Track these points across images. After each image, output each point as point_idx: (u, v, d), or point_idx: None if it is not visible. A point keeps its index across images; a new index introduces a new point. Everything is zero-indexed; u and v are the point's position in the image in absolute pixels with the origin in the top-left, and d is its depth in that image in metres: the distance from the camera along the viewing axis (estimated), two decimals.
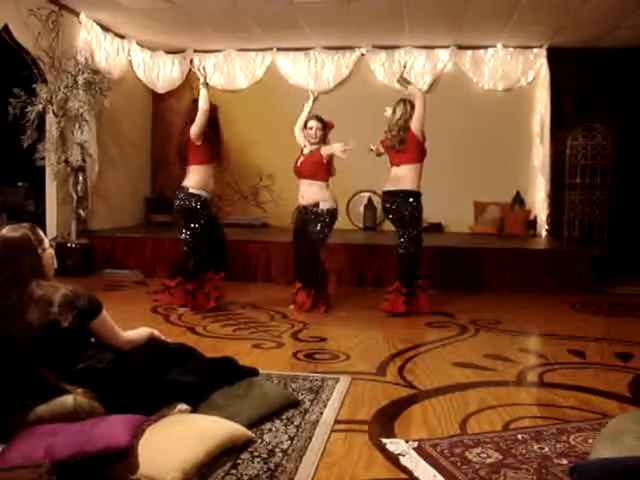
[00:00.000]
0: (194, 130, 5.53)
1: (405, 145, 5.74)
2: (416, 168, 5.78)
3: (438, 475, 2.49)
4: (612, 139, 8.50)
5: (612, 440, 2.36)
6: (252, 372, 3.37)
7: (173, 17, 7.80)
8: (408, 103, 5.86)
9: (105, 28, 8.26)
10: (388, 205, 5.84)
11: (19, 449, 2.39)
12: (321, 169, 5.70)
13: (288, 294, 6.16)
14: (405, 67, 6.56)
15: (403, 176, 5.76)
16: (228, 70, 9.55)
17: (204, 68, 5.88)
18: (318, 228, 5.69)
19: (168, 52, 9.55)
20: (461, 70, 9.08)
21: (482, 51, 8.98)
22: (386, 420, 3.12)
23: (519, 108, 9.06)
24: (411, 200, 5.72)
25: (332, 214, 5.74)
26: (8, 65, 7.02)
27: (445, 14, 7.51)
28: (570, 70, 8.79)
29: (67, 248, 7.27)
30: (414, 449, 2.73)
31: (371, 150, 5.88)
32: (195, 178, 5.62)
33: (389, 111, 5.97)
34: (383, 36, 8.65)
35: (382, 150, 6.00)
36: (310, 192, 5.72)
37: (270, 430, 2.90)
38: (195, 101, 5.78)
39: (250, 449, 2.68)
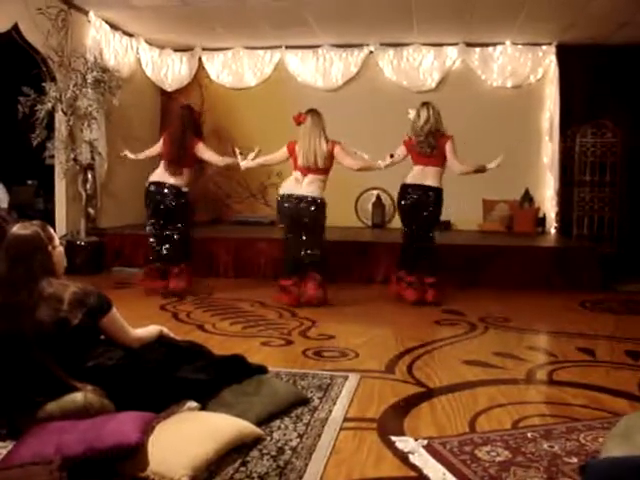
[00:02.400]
0: (210, 159, 6.23)
1: (435, 151, 5.91)
2: (441, 171, 6.01)
3: (447, 473, 2.48)
4: (622, 136, 8.45)
5: (623, 439, 2.35)
6: (261, 370, 3.38)
7: (181, 15, 7.81)
8: (431, 107, 5.97)
9: (114, 26, 8.28)
10: (414, 197, 5.98)
11: (30, 446, 2.40)
12: None
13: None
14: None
15: (432, 175, 5.96)
16: (236, 68, 9.55)
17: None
18: None
19: (176, 50, 9.56)
20: (470, 67, 9.05)
21: (491, 48, 8.96)
22: (395, 418, 3.12)
23: (528, 105, 9.03)
24: (438, 197, 5.98)
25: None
26: (18, 64, 7.05)
27: (453, 11, 7.49)
28: (579, 67, 8.74)
29: (76, 246, 7.29)
30: (423, 447, 2.72)
31: (392, 156, 5.83)
32: (188, 179, 6.22)
33: (412, 114, 6.04)
34: (391, 34, 8.63)
35: (402, 156, 6.05)
36: None
37: (279, 428, 2.90)
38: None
39: (259, 446, 2.68)
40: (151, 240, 6.29)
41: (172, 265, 6.18)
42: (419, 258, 6.03)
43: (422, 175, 5.97)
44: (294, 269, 5.88)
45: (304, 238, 5.81)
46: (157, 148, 6.37)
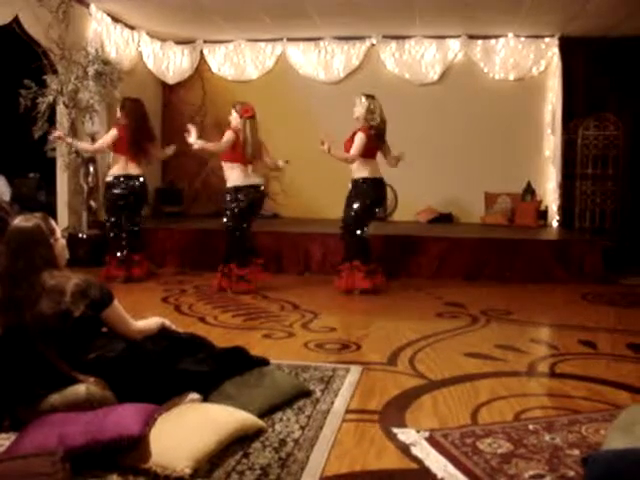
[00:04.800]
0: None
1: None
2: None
3: (449, 465, 2.48)
4: (624, 129, 8.42)
5: (624, 431, 2.36)
6: (263, 362, 3.38)
7: (183, 7, 7.79)
8: (376, 100, 6.11)
9: (115, 19, 8.25)
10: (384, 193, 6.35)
11: (33, 437, 2.41)
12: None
13: (299, 284, 6.20)
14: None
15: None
16: (238, 61, 9.53)
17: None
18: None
19: (178, 43, 9.54)
20: (472, 60, 9.02)
21: (493, 41, 8.92)
22: (397, 410, 3.12)
23: (530, 98, 9.00)
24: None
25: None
26: (19, 57, 7.04)
27: (456, 3, 7.45)
28: (582, 59, 8.71)
29: (78, 239, 7.29)
30: (425, 439, 2.72)
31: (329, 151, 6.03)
32: (144, 168, 6.61)
33: (361, 107, 6.09)
34: (393, 26, 8.60)
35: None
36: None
37: (281, 419, 2.90)
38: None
39: (261, 438, 2.68)
40: (112, 232, 6.66)
41: (133, 254, 6.62)
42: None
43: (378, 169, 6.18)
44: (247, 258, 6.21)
45: (251, 226, 6.27)
46: (107, 142, 6.53)
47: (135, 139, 6.38)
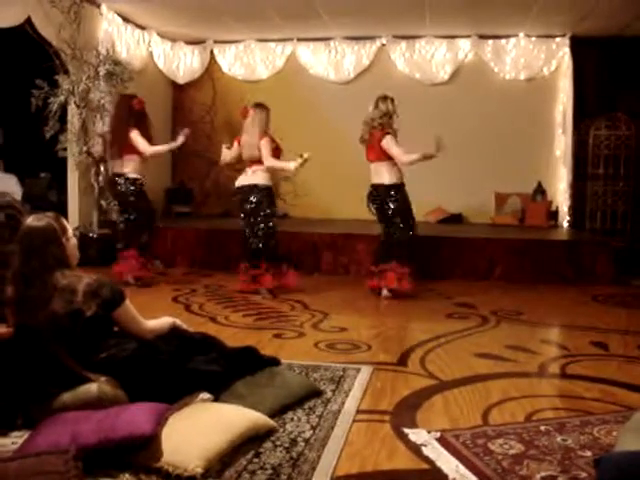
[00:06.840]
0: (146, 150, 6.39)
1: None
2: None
3: (460, 466, 2.48)
4: (636, 129, 8.38)
5: (637, 432, 2.34)
6: (274, 361, 3.39)
7: (193, 7, 7.81)
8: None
9: (126, 19, 8.28)
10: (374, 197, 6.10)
11: (45, 436, 2.42)
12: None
13: (309, 284, 6.19)
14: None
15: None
16: (248, 60, 9.54)
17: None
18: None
19: (188, 43, 9.56)
20: (482, 60, 8.99)
21: (504, 40, 8.89)
22: (408, 410, 3.12)
23: (541, 98, 8.97)
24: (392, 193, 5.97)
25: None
26: (31, 57, 7.07)
27: (466, 3, 7.43)
28: (593, 59, 8.67)
29: (89, 238, 7.31)
30: (436, 439, 2.72)
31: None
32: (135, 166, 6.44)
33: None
34: (404, 26, 8.59)
35: None
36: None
37: (292, 419, 2.91)
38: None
39: (272, 438, 2.68)
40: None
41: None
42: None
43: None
44: (250, 257, 6.03)
45: (251, 227, 6.00)
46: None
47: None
